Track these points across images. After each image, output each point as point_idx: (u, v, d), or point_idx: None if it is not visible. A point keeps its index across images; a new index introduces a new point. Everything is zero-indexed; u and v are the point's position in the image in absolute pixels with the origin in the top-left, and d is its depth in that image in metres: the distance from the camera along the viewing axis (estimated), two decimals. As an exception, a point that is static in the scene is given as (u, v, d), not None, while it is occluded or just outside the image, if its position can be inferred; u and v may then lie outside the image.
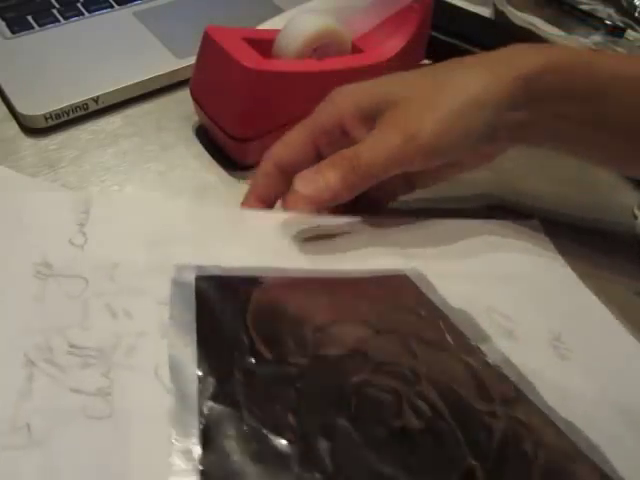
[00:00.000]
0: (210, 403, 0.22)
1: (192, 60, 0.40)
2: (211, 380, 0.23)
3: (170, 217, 0.30)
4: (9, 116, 0.41)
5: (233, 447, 0.21)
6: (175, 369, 0.23)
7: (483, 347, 0.28)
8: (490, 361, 0.27)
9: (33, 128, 0.40)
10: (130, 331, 0.24)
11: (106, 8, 0.49)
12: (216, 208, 0.32)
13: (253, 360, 0.24)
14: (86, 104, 0.41)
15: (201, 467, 0.20)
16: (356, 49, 0.42)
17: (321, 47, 0.39)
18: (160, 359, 0.23)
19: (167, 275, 0.27)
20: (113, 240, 0.28)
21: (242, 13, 0.51)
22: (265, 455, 0.21)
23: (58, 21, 0.47)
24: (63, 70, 0.43)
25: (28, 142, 0.40)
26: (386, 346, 0.27)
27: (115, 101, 0.43)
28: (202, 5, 0.51)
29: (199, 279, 0.27)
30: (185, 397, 0.22)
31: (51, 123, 0.40)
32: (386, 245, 0.32)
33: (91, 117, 0.42)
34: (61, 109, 0.40)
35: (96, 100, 0.41)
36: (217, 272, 0.28)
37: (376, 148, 0.30)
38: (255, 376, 0.23)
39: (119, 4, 0.50)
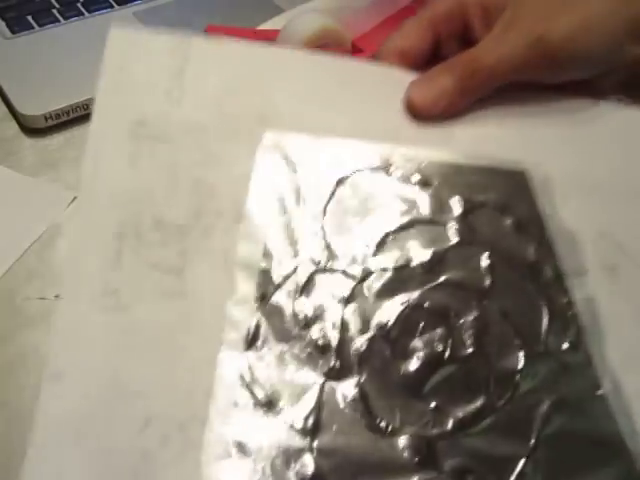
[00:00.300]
0: (267, 296, 0.23)
1: (192, 60, 0.40)
2: (271, 274, 0.24)
3: (278, 73, 0.28)
4: (9, 116, 0.41)
5: (279, 342, 0.23)
6: (242, 259, 0.24)
7: (573, 281, 0.25)
8: (570, 298, 0.25)
9: (33, 128, 0.40)
10: (209, 209, 0.24)
11: (106, 8, 0.49)
12: (342, 59, 0.28)
13: (320, 259, 0.24)
14: (86, 104, 0.41)
15: (246, 354, 0.22)
16: (356, 49, 0.42)
17: (321, 47, 0.39)
18: (231, 244, 0.24)
19: (255, 145, 0.25)
20: (209, 96, 0.26)
21: (242, 13, 0.51)
22: (305, 352, 0.23)
23: (58, 21, 0.47)
24: (63, 70, 0.43)
25: (28, 142, 0.40)
26: (462, 260, 0.25)
27: (115, 101, 0.43)
28: (202, 5, 0.51)
29: (290, 156, 0.25)
30: (245, 287, 0.23)
31: (51, 123, 0.40)
32: (513, 127, 0.28)
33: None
34: (61, 109, 0.40)
35: (96, 100, 0.41)
36: (308, 148, 0.26)
37: (498, 50, 0.28)
38: (316, 274, 0.24)
39: (119, 4, 0.50)
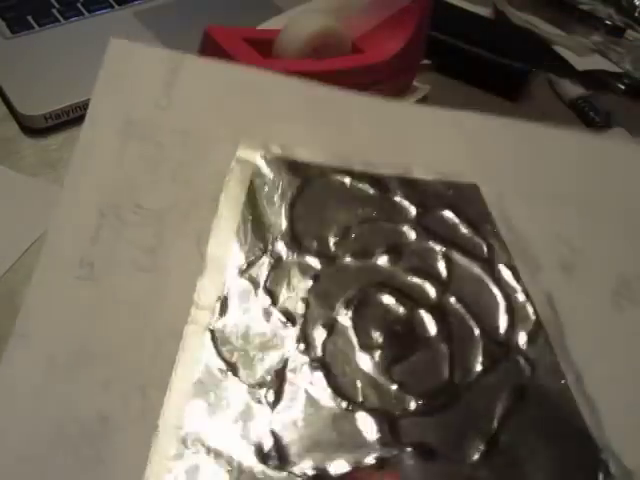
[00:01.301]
0: (235, 277, 0.25)
1: (192, 60, 0.40)
2: (241, 257, 0.26)
3: (260, 94, 0.31)
4: (9, 116, 0.41)
5: (245, 319, 0.24)
6: (214, 240, 0.26)
7: (526, 278, 0.27)
8: (526, 292, 0.26)
9: (33, 128, 0.40)
10: (187, 198, 0.27)
11: (106, 8, 0.49)
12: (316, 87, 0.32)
13: (285, 246, 0.26)
14: (86, 104, 0.40)
15: (212, 327, 0.24)
16: (356, 49, 0.42)
17: (321, 47, 0.39)
18: (204, 229, 0.26)
19: (233, 149, 0.28)
20: (194, 107, 0.29)
21: (242, 13, 0.51)
22: (271, 330, 0.24)
23: (58, 21, 0.47)
24: (63, 70, 0.43)
25: (28, 142, 0.40)
26: (422, 252, 0.27)
27: (115, 101, 0.43)
28: (202, 5, 0.51)
29: (262, 158, 0.28)
30: (215, 267, 0.25)
31: (51, 123, 0.40)
32: (466, 146, 0.31)
33: (91, 117, 0.42)
34: (61, 109, 0.40)
35: (96, 100, 0.41)
36: (282, 155, 0.29)
37: None
38: (281, 262, 0.26)
39: (119, 4, 0.50)
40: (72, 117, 0.41)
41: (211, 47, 0.37)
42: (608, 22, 0.58)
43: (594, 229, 0.29)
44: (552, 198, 0.30)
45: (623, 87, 0.53)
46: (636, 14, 0.60)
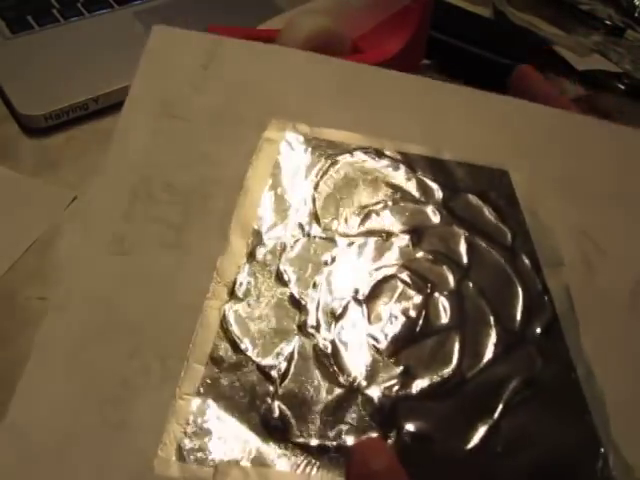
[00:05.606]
0: (253, 256, 0.26)
1: (192, 60, 0.40)
2: (260, 238, 0.26)
3: (291, 73, 0.32)
4: (9, 116, 0.41)
5: (258, 295, 0.25)
6: (237, 219, 0.27)
7: (548, 270, 0.27)
8: (545, 286, 0.26)
9: (33, 128, 0.40)
10: (213, 178, 0.28)
11: (106, 8, 0.49)
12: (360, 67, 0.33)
13: (307, 225, 0.27)
14: (86, 104, 0.41)
15: (228, 305, 0.24)
16: (356, 49, 0.42)
17: (321, 47, 0.39)
18: (228, 208, 0.27)
19: (262, 130, 0.29)
20: (227, 89, 0.31)
21: (242, 13, 0.51)
22: (283, 305, 0.25)
23: (58, 21, 0.47)
24: (63, 70, 0.43)
25: (28, 142, 0.40)
26: (444, 236, 0.27)
27: (115, 101, 0.42)
28: (202, 5, 0.51)
29: (290, 138, 0.29)
30: (236, 246, 0.26)
31: (51, 123, 0.40)
32: (501, 130, 0.31)
33: (91, 117, 0.42)
34: (61, 109, 0.40)
35: (96, 100, 0.41)
36: (310, 134, 0.29)
37: None
38: (301, 242, 0.26)
39: (119, 4, 0.50)
40: (72, 117, 0.41)
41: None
42: (608, 22, 0.58)
43: (621, 229, 0.29)
44: (583, 193, 0.29)
45: (623, 87, 0.53)
46: (636, 14, 0.60)
